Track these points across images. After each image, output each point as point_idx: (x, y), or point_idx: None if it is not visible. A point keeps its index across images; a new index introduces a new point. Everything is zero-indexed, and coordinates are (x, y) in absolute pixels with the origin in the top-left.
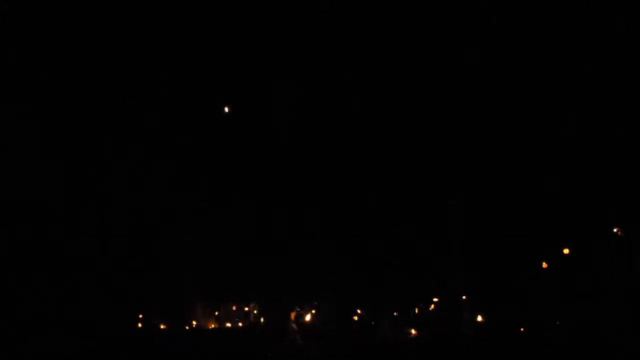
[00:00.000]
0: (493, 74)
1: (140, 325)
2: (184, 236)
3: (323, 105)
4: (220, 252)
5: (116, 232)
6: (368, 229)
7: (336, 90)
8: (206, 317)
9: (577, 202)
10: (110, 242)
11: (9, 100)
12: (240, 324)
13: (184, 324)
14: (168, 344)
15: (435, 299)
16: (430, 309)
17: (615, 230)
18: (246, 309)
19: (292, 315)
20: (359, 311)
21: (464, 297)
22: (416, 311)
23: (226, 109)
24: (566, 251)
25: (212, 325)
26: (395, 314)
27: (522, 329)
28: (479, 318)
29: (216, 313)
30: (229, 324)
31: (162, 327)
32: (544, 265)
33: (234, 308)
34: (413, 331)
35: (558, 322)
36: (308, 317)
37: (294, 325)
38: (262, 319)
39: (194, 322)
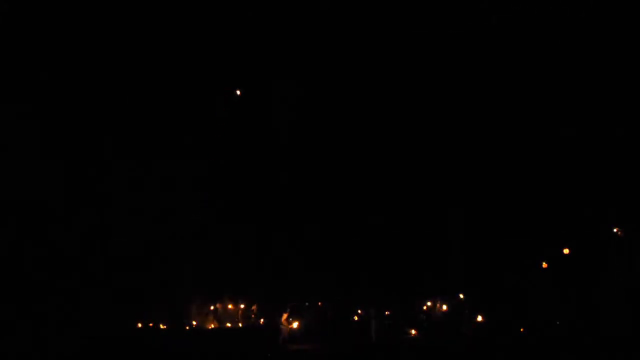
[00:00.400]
0: (493, 74)
1: (140, 325)
2: (183, 236)
3: (323, 105)
4: (220, 252)
5: (116, 232)
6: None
7: (336, 91)
8: (206, 317)
9: (577, 202)
10: (110, 242)
11: (9, 100)
12: (240, 324)
13: (184, 324)
14: (168, 344)
15: (434, 299)
16: (428, 308)
17: (615, 230)
18: (242, 306)
19: (284, 316)
20: (359, 311)
21: (463, 297)
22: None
23: (237, 92)
24: (566, 251)
25: (212, 326)
26: (387, 313)
27: (522, 329)
28: (479, 318)
29: (216, 313)
30: (229, 324)
31: (162, 327)
32: (544, 265)
33: (232, 307)
34: (413, 331)
35: (558, 322)
36: (295, 324)
37: (285, 326)
38: (261, 320)
39: (194, 322)
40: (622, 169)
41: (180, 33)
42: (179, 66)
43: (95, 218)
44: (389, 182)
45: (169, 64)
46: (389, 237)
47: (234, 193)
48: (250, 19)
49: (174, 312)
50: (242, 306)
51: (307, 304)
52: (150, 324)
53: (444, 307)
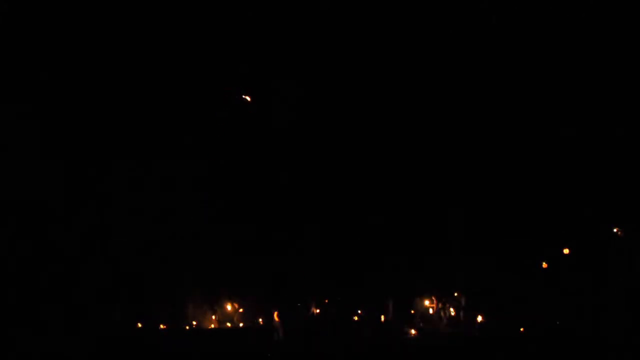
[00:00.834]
0: (493, 74)
1: (140, 325)
2: (183, 236)
3: (323, 105)
4: (220, 252)
5: (116, 232)
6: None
7: (336, 91)
8: (206, 317)
9: (577, 202)
10: (110, 242)
11: (9, 100)
12: (240, 324)
13: (184, 324)
14: (168, 344)
15: (434, 299)
16: (428, 308)
17: (615, 230)
18: (240, 309)
19: (275, 314)
20: (359, 311)
21: (463, 297)
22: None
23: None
24: (566, 251)
25: (212, 326)
26: (386, 313)
27: (522, 329)
28: (479, 318)
29: (216, 313)
30: (228, 324)
31: (162, 327)
32: (544, 265)
33: (230, 307)
34: (412, 331)
35: (558, 322)
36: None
37: (277, 324)
38: (261, 320)
39: (194, 322)
40: (622, 168)
41: (180, 33)
42: (179, 66)
43: (95, 218)
44: (389, 182)
45: (169, 64)
46: (389, 237)
47: (234, 193)
48: (250, 19)
49: (174, 312)
50: (241, 308)
51: (298, 304)
52: (151, 324)
53: (444, 307)
